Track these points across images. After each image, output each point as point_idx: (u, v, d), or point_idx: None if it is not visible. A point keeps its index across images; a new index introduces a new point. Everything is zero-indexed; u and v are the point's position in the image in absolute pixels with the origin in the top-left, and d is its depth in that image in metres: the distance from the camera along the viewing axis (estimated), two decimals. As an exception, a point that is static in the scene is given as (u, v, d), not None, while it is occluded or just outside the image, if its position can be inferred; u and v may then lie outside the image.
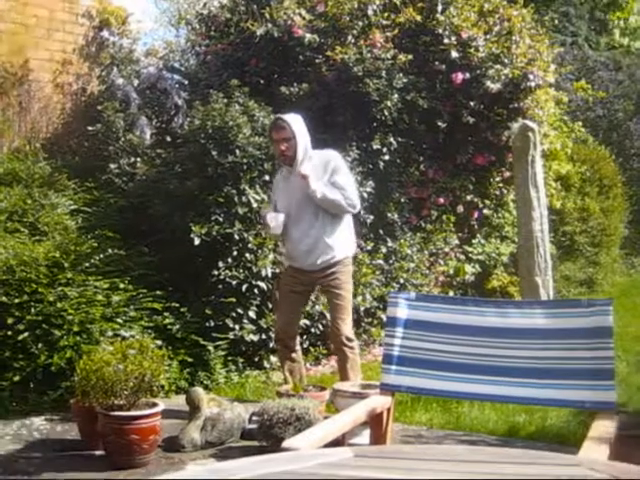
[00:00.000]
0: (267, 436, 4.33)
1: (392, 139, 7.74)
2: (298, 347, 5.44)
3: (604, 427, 2.61)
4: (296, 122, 5.18)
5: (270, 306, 6.41)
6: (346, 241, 5.26)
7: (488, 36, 8.25)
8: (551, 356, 2.84)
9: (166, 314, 5.90)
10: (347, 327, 5.19)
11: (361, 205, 5.65)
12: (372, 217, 7.57)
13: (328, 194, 5.04)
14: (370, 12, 7.89)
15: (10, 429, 4.86)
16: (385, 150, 7.70)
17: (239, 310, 6.24)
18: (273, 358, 6.40)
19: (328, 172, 5.11)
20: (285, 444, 2.31)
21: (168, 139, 7.31)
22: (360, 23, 7.86)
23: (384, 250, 7.74)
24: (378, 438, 2.91)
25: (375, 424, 2.93)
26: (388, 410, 2.96)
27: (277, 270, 6.38)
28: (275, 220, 5.09)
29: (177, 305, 5.98)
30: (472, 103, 8.08)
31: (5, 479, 4.01)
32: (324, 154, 5.27)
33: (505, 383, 2.87)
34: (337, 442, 2.93)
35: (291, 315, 5.35)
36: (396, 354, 3.03)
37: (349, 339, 5.18)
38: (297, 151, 5.11)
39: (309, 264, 5.17)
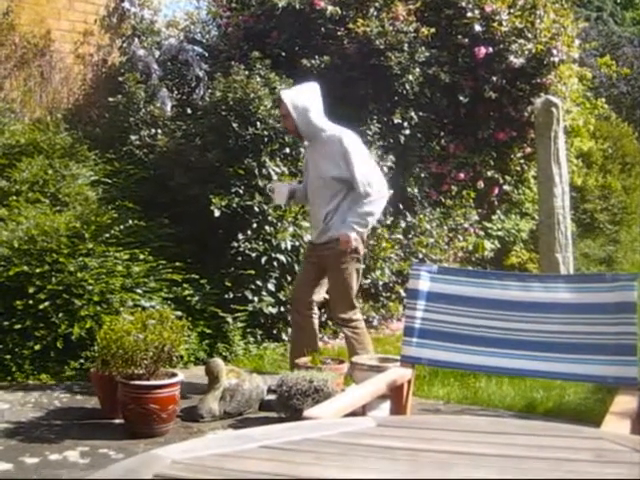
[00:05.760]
0: (285, 407, 4.35)
1: (413, 113, 7.70)
2: (314, 317, 5.32)
3: (626, 403, 2.59)
4: (295, 97, 4.97)
5: (290, 279, 6.43)
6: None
7: (512, 10, 8.17)
8: (574, 331, 2.82)
9: (185, 285, 5.91)
10: (339, 308, 5.10)
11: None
12: (392, 191, 7.53)
13: (361, 221, 4.86)
14: (393, -16, 7.83)
15: (31, 397, 4.90)
16: (406, 124, 7.67)
17: (258, 282, 6.26)
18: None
19: (343, 160, 4.88)
20: (306, 413, 2.31)
21: (189, 111, 7.30)
22: (383, -5, 7.80)
23: (403, 225, 7.74)
24: (398, 410, 2.91)
25: (395, 396, 2.93)
26: (408, 382, 2.96)
27: (297, 243, 6.39)
28: (274, 191, 5.13)
29: (196, 277, 6.00)
30: (494, 78, 8.01)
31: (26, 446, 4.05)
32: (335, 139, 4.93)
33: (527, 357, 2.85)
34: (356, 414, 2.93)
35: (300, 281, 5.37)
36: (417, 327, 3.01)
37: (344, 320, 5.08)
38: (297, 127, 4.98)
39: (315, 238, 5.14)
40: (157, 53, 7.77)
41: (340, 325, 5.20)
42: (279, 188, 5.16)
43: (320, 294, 5.32)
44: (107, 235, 5.85)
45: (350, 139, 4.97)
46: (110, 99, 7.22)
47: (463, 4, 7.92)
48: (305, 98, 4.97)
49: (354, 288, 5.10)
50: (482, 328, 2.95)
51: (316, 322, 5.37)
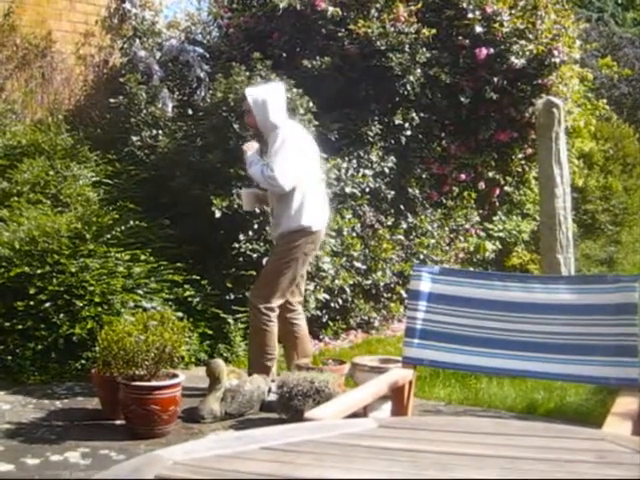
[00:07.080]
0: (286, 408, 4.36)
1: (414, 114, 7.69)
2: (299, 319, 5.34)
3: (627, 404, 2.59)
4: (256, 94, 5.10)
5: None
6: (293, 216, 5.01)
7: (513, 11, 8.15)
8: (575, 332, 2.82)
9: (186, 286, 5.91)
10: (255, 292, 5.19)
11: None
12: (393, 192, 7.55)
13: (249, 169, 5.09)
14: (394, -15, 7.82)
15: (32, 398, 4.91)
16: (407, 125, 7.66)
17: (259, 283, 6.25)
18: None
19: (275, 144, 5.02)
20: (307, 414, 2.31)
21: (190, 112, 7.29)
22: (384, -4, 7.79)
23: (404, 226, 7.73)
24: (399, 411, 2.92)
25: (397, 397, 2.94)
26: (410, 383, 2.96)
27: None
28: (241, 196, 5.35)
29: (197, 277, 6.00)
30: (495, 79, 7.99)
31: (27, 447, 4.05)
32: (281, 129, 5.05)
33: (529, 358, 2.86)
34: (357, 415, 2.93)
35: None
36: (419, 327, 3.02)
37: (253, 305, 5.09)
38: (257, 126, 5.12)
39: (271, 233, 5.42)
40: (158, 54, 7.76)
41: (250, 309, 5.21)
42: (245, 193, 5.31)
43: (296, 294, 5.33)
44: (108, 236, 5.85)
45: (291, 130, 5.12)
46: (111, 100, 7.21)
47: (464, 5, 7.90)
48: (266, 96, 5.09)
49: (281, 285, 5.06)
50: (483, 329, 2.95)
51: (302, 323, 5.37)
